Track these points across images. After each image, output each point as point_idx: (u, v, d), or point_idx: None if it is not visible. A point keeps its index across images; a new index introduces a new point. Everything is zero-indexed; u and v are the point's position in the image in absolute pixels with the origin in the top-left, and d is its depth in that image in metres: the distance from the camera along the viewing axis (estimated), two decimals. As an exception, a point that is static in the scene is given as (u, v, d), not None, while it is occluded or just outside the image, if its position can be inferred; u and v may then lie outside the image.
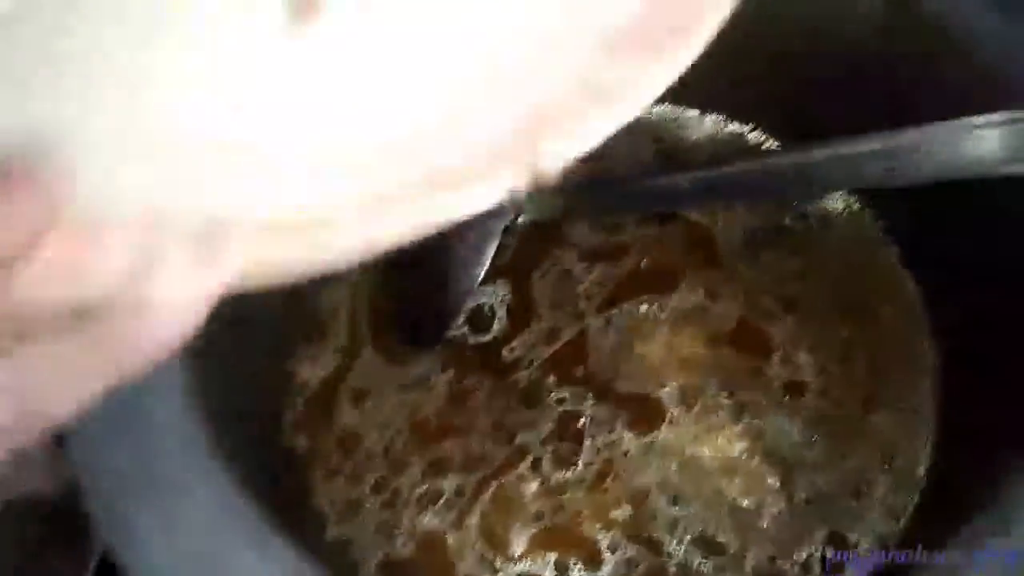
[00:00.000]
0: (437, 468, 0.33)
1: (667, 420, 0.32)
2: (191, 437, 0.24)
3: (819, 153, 0.27)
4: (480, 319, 0.35)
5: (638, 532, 0.31)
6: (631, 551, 0.31)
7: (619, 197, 0.34)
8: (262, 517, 0.24)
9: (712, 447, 0.31)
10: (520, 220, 0.34)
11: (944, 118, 0.26)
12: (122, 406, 0.24)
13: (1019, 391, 0.29)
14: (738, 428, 0.32)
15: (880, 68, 0.32)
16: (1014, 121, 0.25)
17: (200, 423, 0.25)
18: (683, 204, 0.34)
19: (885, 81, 0.32)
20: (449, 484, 0.32)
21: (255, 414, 0.32)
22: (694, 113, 0.39)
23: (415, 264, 0.35)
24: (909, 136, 0.26)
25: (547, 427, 0.33)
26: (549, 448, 0.32)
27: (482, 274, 0.33)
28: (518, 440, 0.33)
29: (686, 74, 0.41)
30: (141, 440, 0.24)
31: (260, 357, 0.33)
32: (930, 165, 0.25)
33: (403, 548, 0.31)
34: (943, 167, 0.25)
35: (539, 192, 0.34)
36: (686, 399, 0.33)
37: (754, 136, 0.39)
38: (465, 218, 0.16)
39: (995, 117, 0.25)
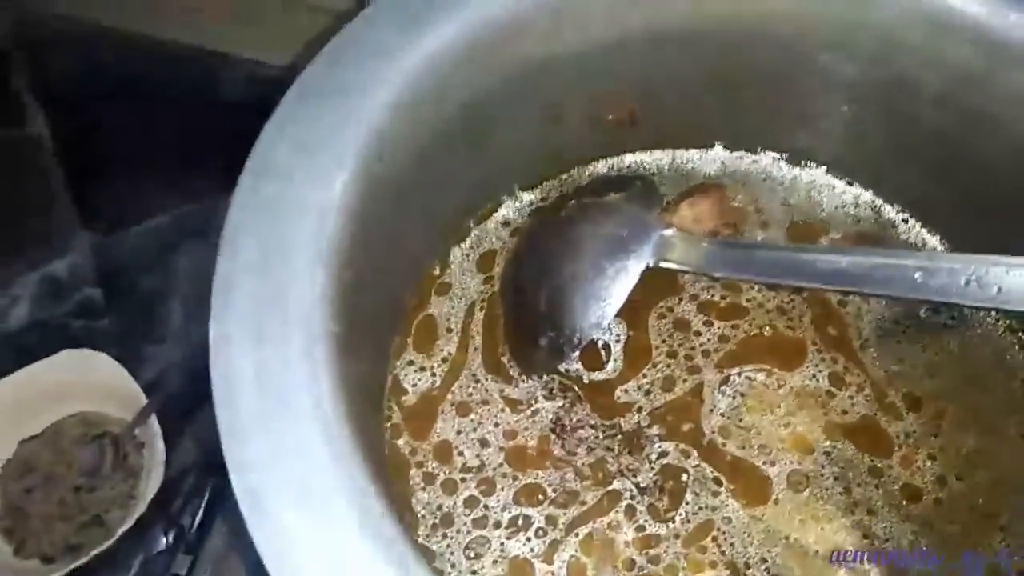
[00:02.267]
0: (529, 495, 0.32)
1: (774, 498, 0.32)
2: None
3: (1000, 265, 0.26)
4: (594, 354, 0.35)
5: (735, 597, 0.31)
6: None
7: (759, 262, 0.33)
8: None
9: (817, 536, 0.31)
10: (659, 265, 0.33)
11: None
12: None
13: None
14: (847, 522, 0.31)
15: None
16: None
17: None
18: (826, 284, 0.32)
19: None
20: (539, 514, 0.32)
21: (361, 413, 0.32)
22: (837, 182, 0.39)
23: (543, 286, 0.34)
24: None
25: (648, 477, 0.32)
26: (646, 498, 0.32)
27: (614, 312, 0.32)
28: (615, 484, 0.32)
29: (848, 145, 0.39)
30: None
31: (367, 359, 0.33)
32: None
33: (491, 569, 0.31)
34: None
35: (685, 241, 0.33)
36: (796, 482, 0.32)
37: (899, 217, 0.38)
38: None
39: None
